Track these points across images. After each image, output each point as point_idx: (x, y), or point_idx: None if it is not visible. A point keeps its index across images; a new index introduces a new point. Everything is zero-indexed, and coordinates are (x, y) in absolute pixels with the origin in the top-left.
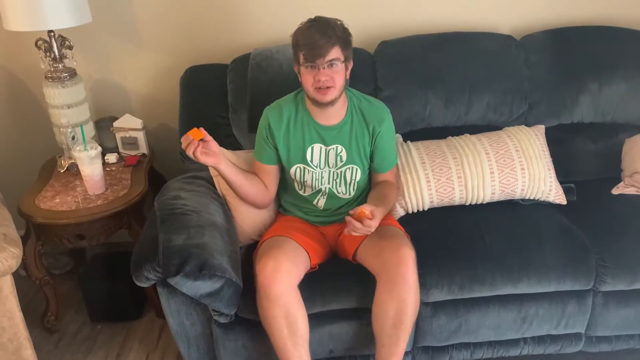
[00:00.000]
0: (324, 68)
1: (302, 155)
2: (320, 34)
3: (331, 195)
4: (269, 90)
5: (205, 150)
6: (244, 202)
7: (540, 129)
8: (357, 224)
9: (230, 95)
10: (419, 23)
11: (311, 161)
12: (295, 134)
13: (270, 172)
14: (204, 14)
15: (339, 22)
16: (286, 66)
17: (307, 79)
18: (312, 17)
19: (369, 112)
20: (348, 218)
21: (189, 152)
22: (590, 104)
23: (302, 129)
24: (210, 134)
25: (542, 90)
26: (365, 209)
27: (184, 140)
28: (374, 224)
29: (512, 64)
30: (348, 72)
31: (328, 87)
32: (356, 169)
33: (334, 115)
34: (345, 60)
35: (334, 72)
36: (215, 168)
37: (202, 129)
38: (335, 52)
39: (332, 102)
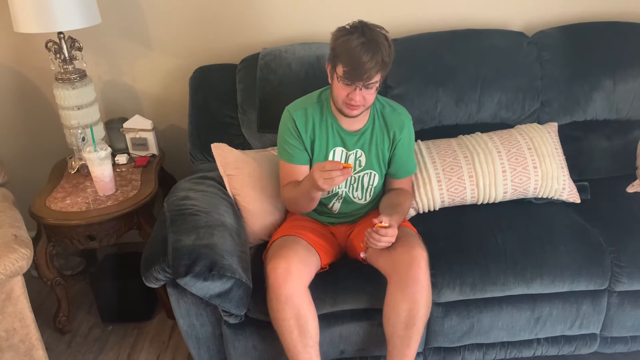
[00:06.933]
0: (360, 89)
1: (324, 157)
2: (368, 56)
3: (347, 200)
4: (278, 89)
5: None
6: (295, 210)
7: (553, 126)
8: (377, 236)
9: (240, 95)
10: (430, 21)
11: None
12: (321, 137)
13: (306, 173)
14: (213, 14)
15: (386, 42)
16: (295, 65)
17: (340, 92)
18: (357, 22)
19: (390, 118)
20: (368, 231)
21: (337, 178)
22: (605, 101)
23: (327, 132)
24: (220, 134)
25: (555, 87)
26: (380, 220)
27: (334, 166)
28: (391, 232)
29: (524, 61)
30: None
31: (358, 105)
32: (374, 175)
33: (358, 121)
34: (381, 80)
35: (369, 93)
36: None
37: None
38: (376, 77)
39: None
